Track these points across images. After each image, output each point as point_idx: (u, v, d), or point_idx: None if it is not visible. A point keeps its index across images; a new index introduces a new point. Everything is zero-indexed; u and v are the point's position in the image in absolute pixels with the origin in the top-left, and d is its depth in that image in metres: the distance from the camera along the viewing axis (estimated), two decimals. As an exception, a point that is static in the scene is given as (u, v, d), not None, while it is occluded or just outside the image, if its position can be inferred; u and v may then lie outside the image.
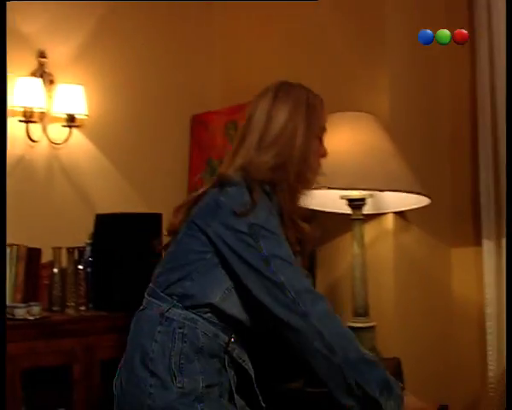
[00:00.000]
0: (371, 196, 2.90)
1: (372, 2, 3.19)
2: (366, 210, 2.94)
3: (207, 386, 1.85)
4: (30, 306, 3.10)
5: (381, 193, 2.96)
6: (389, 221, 3.10)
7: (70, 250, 3.34)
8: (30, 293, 3.28)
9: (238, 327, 1.93)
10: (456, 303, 3.29)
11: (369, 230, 3.08)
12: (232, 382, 1.93)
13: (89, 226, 3.39)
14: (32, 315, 3.07)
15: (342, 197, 2.89)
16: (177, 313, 1.87)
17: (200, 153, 3.78)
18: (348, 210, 2.92)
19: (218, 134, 3.72)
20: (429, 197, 2.87)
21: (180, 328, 1.86)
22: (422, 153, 3.21)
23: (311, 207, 2.84)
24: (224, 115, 3.72)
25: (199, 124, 3.83)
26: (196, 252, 1.90)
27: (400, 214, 3.11)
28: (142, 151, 3.74)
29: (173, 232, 2.00)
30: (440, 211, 3.22)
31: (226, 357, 1.91)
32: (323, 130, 2.04)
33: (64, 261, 3.34)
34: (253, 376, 1.99)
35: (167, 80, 3.85)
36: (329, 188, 2.73)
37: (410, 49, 3.17)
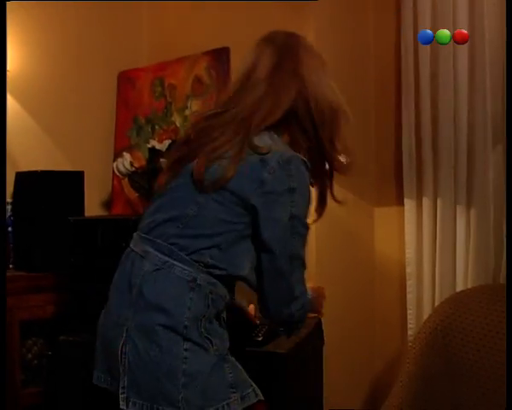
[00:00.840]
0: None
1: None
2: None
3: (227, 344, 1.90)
4: None
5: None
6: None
7: (-11, 209, 3.26)
8: None
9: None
10: (378, 262, 3.32)
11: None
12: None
13: (9, 185, 3.31)
14: None
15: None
16: (205, 278, 1.83)
17: (127, 111, 3.71)
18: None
19: (145, 91, 3.65)
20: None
21: (211, 293, 1.83)
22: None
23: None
24: (150, 72, 3.64)
25: (126, 81, 3.74)
26: (228, 222, 1.82)
27: (323, 173, 3.10)
28: (66, 108, 3.64)
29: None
30: (364, 171, 3.23)
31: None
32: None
33: (-18, 220, 3.26)
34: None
35: (93, 36, 3.74)
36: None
37: (335, 15, 3.17)
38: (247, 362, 2.47)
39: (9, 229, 3.30)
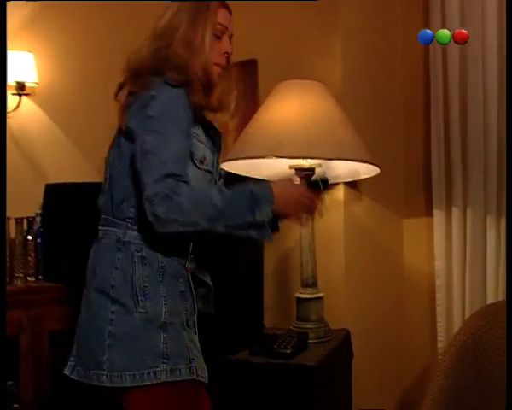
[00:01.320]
0: (320, 165, 2.87)
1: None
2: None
3: (170, 313, 1.87)
4: (-25, 276, 3.06)
5: (331, 163, 2.92)
6: (339, 191, 3.07)
7: (18, 221, 3.29)
8: (-23, 263, 3.24)
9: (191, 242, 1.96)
10: (407, 274, 3.29)
11: (319, 200, 3.06)
12: (194, 306, 1.97)
13: (39, 196, 3.34)
14: (-22, 286, 3.02)
15: (291, 167, 2.85)
16: (133, 235, 1.88)
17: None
18: (297, 180, 2.88)
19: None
20: (379, 167, 2.84)
21: (138, 251, 1.87)
22: (375, 123, 3.18)
23: (260, 177, 2.85)
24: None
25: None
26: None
27: (351, 185, 3.09)
28: (95, 120, 3.64)
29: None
30: (392, 182, 3.21)
31: (188, 275, 1.94)
32: (219, 27, 2.04)
33: (12, 232, 3.28)
34: (212, 291, 2.07)
35: (123, 49, 3.76)
36: (277, 157, 2.69)
37: (364, 17, 3.14)
38: (276, 374, 2.48)
39: (38, 240, 3.32)
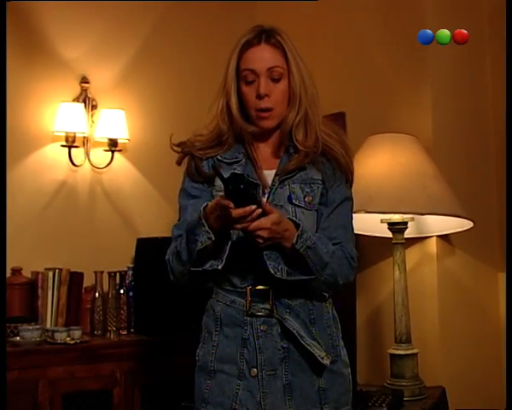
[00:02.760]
0: (412, 219, 2.83)
1: (415, 19, 3.12)
2: (408, 234, 2.86)
3: (220, 360, 1.94)
4: (70, 330, 3.13)
5: (424, 216, 2.89)
6: (432, 245, 3.01)
7: (111, 274, 3.36)
8: (72, 317, 3.31)
9: None
10: (504, 331, 3.18)
11: (412, 254, 3.01)
12: None
13: (131, 250, 3.40)
14: (73, 339, 3.08)
15: (382, 221, 2.82)
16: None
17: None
18: (389, 234, 2.85)
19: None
20: (472, 221, 2.78)
21: (207, 304, 2.03)
22: (467, 175, 3.11)
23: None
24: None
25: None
26: None
27: (444, 238, 3.02)
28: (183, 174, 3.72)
29: None
30: (486, 234, 3.12)
31: (254, 322, 1.94)
32: (244, 72, 1.90)
33: (105, 285, 3.36)
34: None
35: (209, 104, 3.82)
36: (368, 212, 2.67)
37: (454, 68, 3.10)
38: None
39: (130, 294, 3.38)
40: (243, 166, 1.89)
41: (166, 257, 1.94)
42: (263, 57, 1.89)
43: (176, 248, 1.88)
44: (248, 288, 1.85)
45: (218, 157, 1.94)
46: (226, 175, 1.69)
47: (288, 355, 1.85)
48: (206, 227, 1.75)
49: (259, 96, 1.88)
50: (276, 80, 1.89)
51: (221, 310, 1.90)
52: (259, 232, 1.70)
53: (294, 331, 1.83)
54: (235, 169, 1.87)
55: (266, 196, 1.87)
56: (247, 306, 1.86)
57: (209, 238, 1.75)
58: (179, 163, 2.04)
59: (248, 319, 1.86)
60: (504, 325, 3.17)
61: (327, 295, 1.93)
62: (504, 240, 3.01)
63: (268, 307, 1.84)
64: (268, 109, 1.89)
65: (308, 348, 1.82)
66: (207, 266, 1.81)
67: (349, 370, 1.95)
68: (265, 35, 1.90)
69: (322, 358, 1.83)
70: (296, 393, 1.85)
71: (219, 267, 1.79)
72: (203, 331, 1.96)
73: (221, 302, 1.90)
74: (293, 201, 1.88)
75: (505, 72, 2.72)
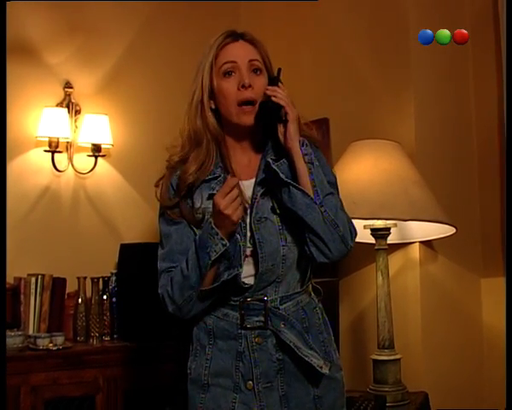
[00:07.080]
0: (395, 225, 2.84)
1: (397, 26, 3.15)
2: (390, 240, 2.88)
3: (214, 374, 1.92)
4: (53, 336, 3.11)
5: (406, 222, 2.90)
6: (415, 251, 3.02)
7: (95, 280, 3.34)
8: (54, 323, 3.29)
9: None
10: (486, 336, 3.19)
11: (395, 260, 3.02)
12: None
13: (114, 256, 3.39)
14: (55, 345, 3.07)
15: (365, 227, 2.83)
16: None
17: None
18: (372, 240, 2.86)
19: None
20: (455, 227, 2.80)
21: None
22: (450, 181, 3.13)
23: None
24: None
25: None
26: None
27: (427, 244, 3.04)
28: (167, 180, 3.72)
29: None
30: (469, 240, 3.14)
31: (249, 335, 1.92)
32: (224, 65, 1.87)
33: (88, 291, 3.34)
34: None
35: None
36: (352, 218, 2.67)
37: (437, 75, 3.12)
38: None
39: (114, 299, 3.36)
40: (222, 183, 1.85)
41: (160, 291, 1.87)
42: (243, 49, 1.90)
43: (171, 279, 1.85)
44: (240, 301, 1.84)
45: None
46: (205, 195, 1.86)
47: (284, 367, 1.84)
48: (220, 235, 1.76)
49: (244, 86, 1.84)
50: (256, 72, 1.88)
51: (213, 323, 1.88)
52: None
53: (291, 344, 1.81)
54: (213, 189, 1.86)
55: (248, 211, 1.84)
56: (241, 319, 1.84)
57: (223, 245, 1.76)
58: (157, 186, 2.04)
59: (243, 332, 1.84)
60: (487, 331, 3.21)
61: (316, 299, 1.94)
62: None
63: (262, 319, 1.83)
64: (251, 102, 1.85)
65: (306, 359, 1.81)
66: (225, 276, 1.79)
67: (342, 373, 1.95)
68: (241, 34, 1.92)
69: (321, 367, 1.82)
70: (292, 403, 1.84)
71: (240, 271, 1.79)
72: (194, 344, 1.92)
73: (213, 315, 1.88)
74: (277, 210, 1.85)
75: (505, 71, 2.75)
